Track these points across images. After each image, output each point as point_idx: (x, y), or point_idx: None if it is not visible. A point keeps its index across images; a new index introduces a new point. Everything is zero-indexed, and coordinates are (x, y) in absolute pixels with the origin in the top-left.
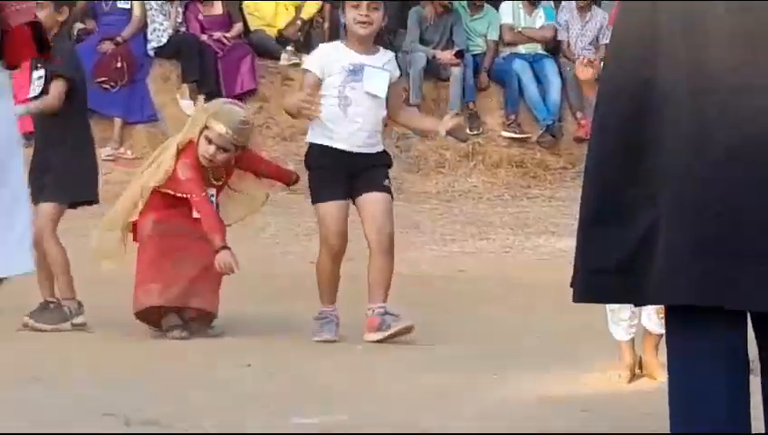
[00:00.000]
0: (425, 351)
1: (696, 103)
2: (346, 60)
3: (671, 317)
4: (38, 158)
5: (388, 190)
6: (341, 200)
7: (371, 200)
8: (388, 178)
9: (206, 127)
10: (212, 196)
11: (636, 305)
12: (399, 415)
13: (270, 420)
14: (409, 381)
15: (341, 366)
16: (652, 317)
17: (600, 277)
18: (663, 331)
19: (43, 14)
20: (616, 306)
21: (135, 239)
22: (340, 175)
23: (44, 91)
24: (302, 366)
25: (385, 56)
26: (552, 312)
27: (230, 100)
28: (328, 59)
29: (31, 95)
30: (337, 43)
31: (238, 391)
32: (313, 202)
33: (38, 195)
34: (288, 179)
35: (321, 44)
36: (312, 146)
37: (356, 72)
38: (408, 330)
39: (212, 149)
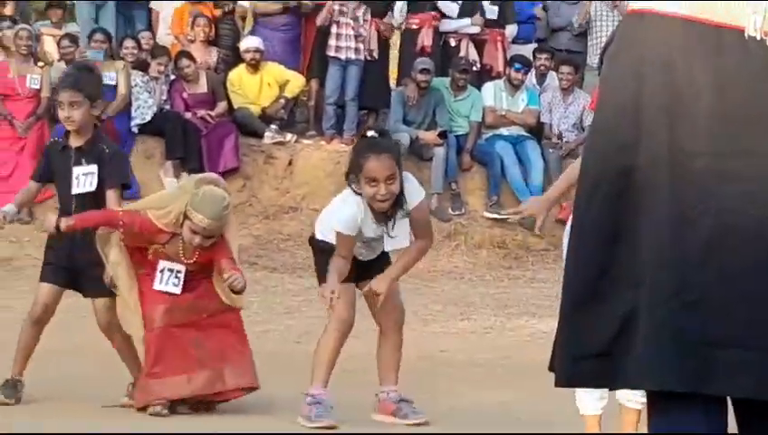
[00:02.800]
0: (406, 431)
1: (675, 192)
2: (369, 230)
3: (651, 401)
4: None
5: None
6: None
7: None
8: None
9: (186, 217)
10: (178, 272)
11: (612, 389)
12: None
13: None
14: None
15: None
16: (628, 392)
17: (582, 362)
18: (639, 406)
19: (79, 113)
20: None
21: (145, 327)
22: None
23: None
24: None
25: (402, 225)
26: (534, 394)
27: (210, 177)
28: (356, 223)
29: (79, 191)
30: (360, 206)
31: None
32: (320, 282)
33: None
34: (233, 289)
35: (347, 210)
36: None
37: (377, 240)
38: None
39: (198, 238)
